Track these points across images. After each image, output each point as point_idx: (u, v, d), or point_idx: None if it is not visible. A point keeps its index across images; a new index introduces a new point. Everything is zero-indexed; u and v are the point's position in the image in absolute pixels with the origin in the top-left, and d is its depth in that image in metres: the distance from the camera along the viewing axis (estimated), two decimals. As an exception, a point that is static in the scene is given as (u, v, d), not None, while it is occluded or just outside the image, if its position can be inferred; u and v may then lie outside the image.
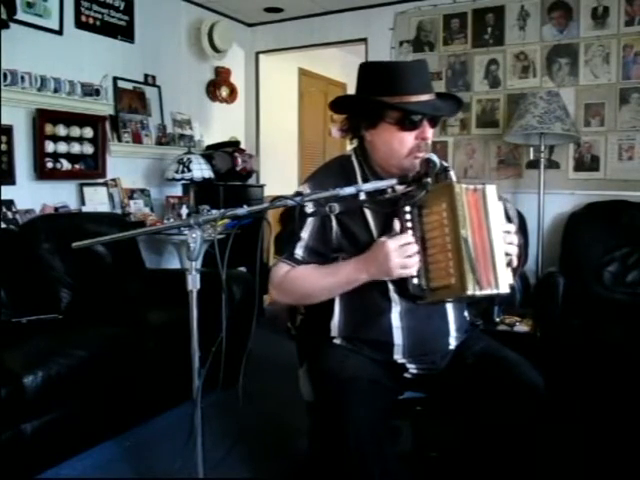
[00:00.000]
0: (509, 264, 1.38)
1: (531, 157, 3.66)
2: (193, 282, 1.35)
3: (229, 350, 1.35)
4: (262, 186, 4.65)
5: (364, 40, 4.37)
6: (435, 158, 1.43)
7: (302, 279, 1.52)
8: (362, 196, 1.50)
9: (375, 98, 1.48)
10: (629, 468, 2.10)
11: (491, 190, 1.37)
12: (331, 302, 1.57)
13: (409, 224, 1.42)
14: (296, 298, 1.61)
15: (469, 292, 1.32)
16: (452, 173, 1.43)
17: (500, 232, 1.37)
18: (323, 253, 1.54)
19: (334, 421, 1.36)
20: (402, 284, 1.45)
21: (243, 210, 1.37)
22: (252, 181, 4.60)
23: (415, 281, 1.42)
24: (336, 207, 1.38)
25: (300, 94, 5.58)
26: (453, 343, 1.59)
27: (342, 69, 5.81)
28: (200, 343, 1.38)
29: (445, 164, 1.48)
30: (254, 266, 1.54)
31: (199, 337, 1.38)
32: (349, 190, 1.36)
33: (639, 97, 3.49)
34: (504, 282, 1.34)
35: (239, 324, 1.76)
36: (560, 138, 3.51)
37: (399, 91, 1.45)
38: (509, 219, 1.45)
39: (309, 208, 1.49)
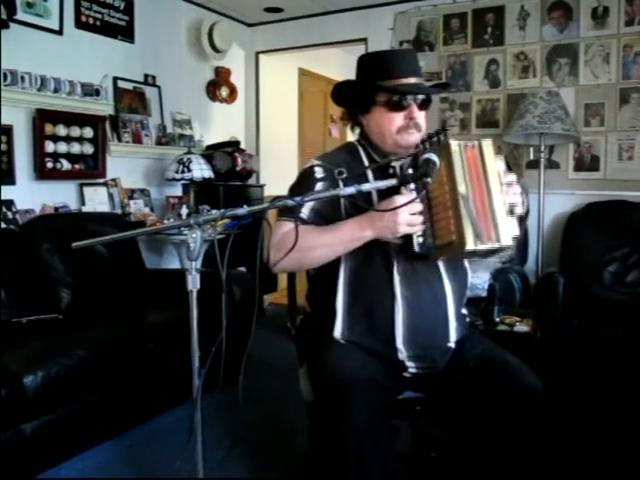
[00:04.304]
0: (512, 212, 1.39)
1: (531, 157, 3.66)
2: (193, 282, 1.35)
3: (229, 350, 1.35)
4: (262, 186, 4.65)
5: (364, 40, 4.38)
6: (435, 158, 1.43)
7: (303, 235, 1.41)
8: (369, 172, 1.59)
9: (366, 82, 1.59)
10: (629, 468, 2.10)
11: (487, 144, 1.40)
12: (333, 291, 1.58)
13: (412, 185, 1.44)
14: (295, 257, 1.46)
15: (469, 247, 1.34)
16: (450, 133, 1.48)
17: (499, 185, 1.38)
18: (329, 219, 1.53)
19: (333, 421, 1.36)
20: (408, 245, 1.46)
21: (243, 210, 1.36)
22: (252, 181, 4.61)
23: (420, 240, 1.45)
24: (344, 172, 1.37)
25: (300, 94, 5.58)
26: (453, 334, 1.59)
27: (342, 69, 5.79)
28: (200, 343, 1.38)
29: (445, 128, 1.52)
30: (254, 266, 1.53)
31: (199, 337, 1.38)
32: (349, 190, 1.35)
33: (639, 97, 3.49)
34: (506, 235, 1.35)
35: (239, 324, 1.75)
36: (560, 138, 3.51)
37: (388, 75, 1.57)
38: (510, 170, 1.46)
39: (319, 173, 1.58)
